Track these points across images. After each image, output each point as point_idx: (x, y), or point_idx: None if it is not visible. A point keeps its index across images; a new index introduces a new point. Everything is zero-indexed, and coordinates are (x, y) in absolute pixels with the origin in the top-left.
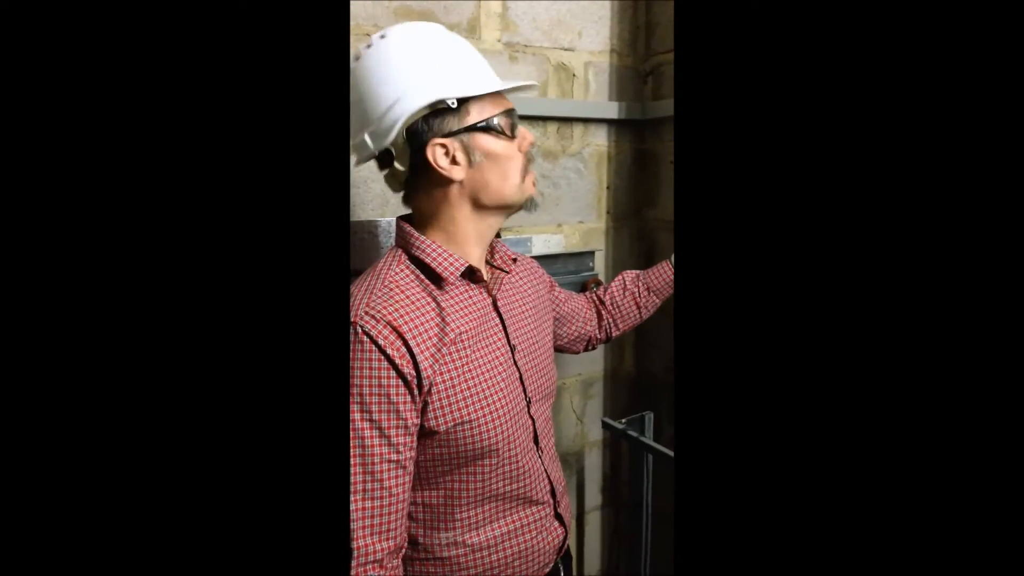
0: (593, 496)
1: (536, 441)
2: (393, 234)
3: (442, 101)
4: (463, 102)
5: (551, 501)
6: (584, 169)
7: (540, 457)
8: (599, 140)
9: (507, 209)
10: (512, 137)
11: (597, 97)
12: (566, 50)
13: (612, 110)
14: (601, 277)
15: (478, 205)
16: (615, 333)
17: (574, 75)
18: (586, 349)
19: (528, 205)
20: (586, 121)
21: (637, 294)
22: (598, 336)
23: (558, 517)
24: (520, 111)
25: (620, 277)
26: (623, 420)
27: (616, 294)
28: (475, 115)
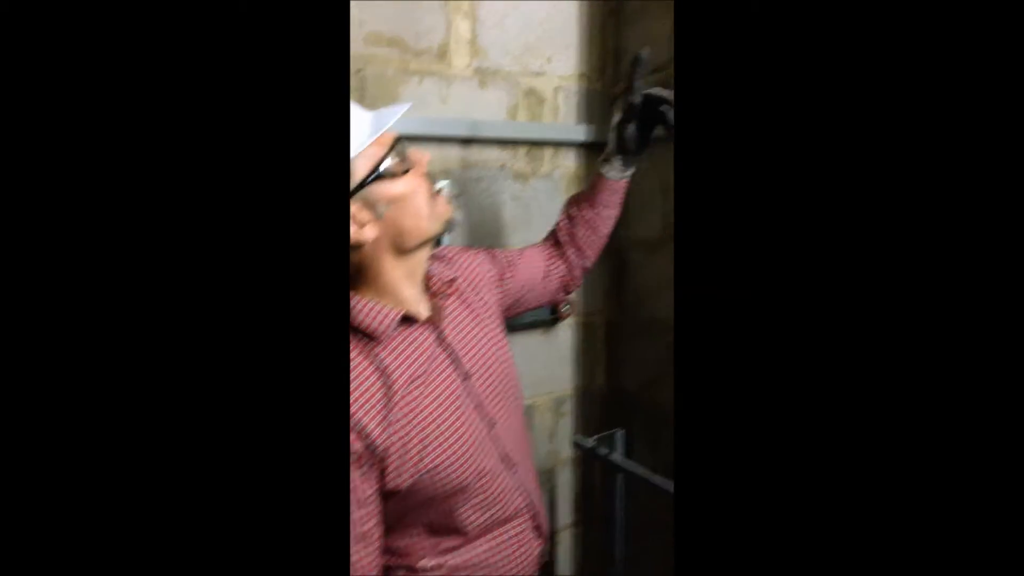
0: (565, 514)
1: (506, 459)
2: None
3: None
4: None
5: (529, 514)
6: (554, 191)
7: (514, 474)
8: (569, 162)
9: (430, 241)
10: (407, 168)
11: (566, 121)
12: (536, 75)
13: (581, 133)
14: (572, 296)
15: (400, 250)
16: (589, 264)
17: (544, 99)
18: (568, 293)
19: (448, 227)
20: (556, 144)
21: (584, 215)
22: (572, 276)
23: (536, 529)
24: (490, 134)
25: (562, 211)
26: (594, 438)
27: (566, 228)
28: (362, 168)
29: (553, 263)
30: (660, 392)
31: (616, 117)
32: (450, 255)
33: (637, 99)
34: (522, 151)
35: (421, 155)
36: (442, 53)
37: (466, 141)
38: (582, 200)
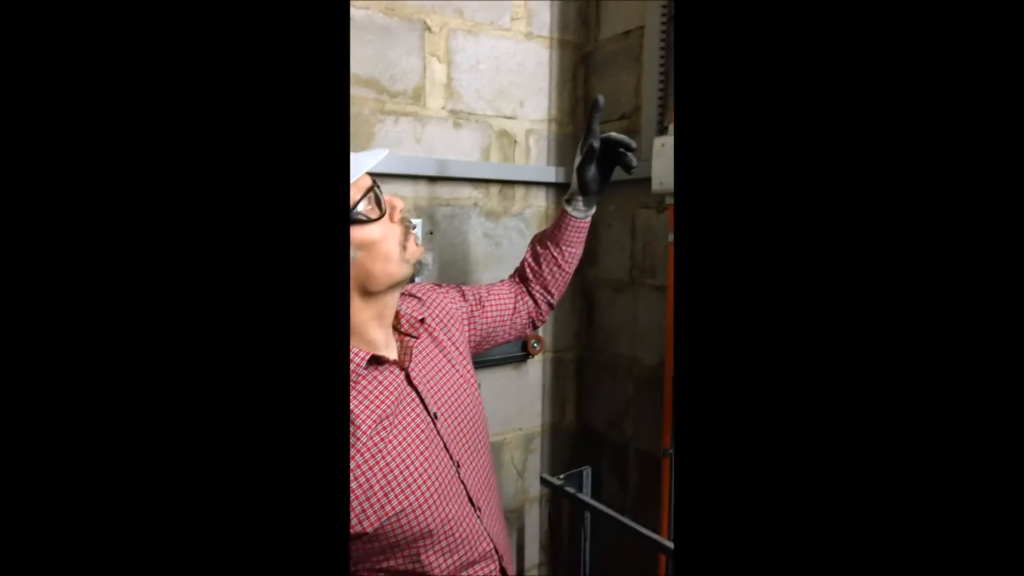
0: (533, 553)
1: (472, 502)
2: None
3: None
4: None
5: (495, 557)
6: (526, 229)
7: (479, 518)
8: (540, 202)
9: (400, 284)
10: (381, 214)
11: (538, 162)
12: (508, 118)
13: (551, 174)
14: (542, 333)
15: (368, 293)
16: (555, 300)
17: (516, 141)
18: (536, 328)
19: (418, 269)
20: (527, 184)
21: (549, 254)
22: (539, 312)
23: (502, 573)
24: (464, 174)
25: (528, 249)
26: (561, 476)
27: (532, 264)
28: None
29: (521, 299)
30: (626, 429)
31: (577, 159)
32: (421, 293)
33: (596, 142)
34: (494, 190)
35: (396, 201)
36: (417, 95)
37: (440, 179)
38: (547, 238)
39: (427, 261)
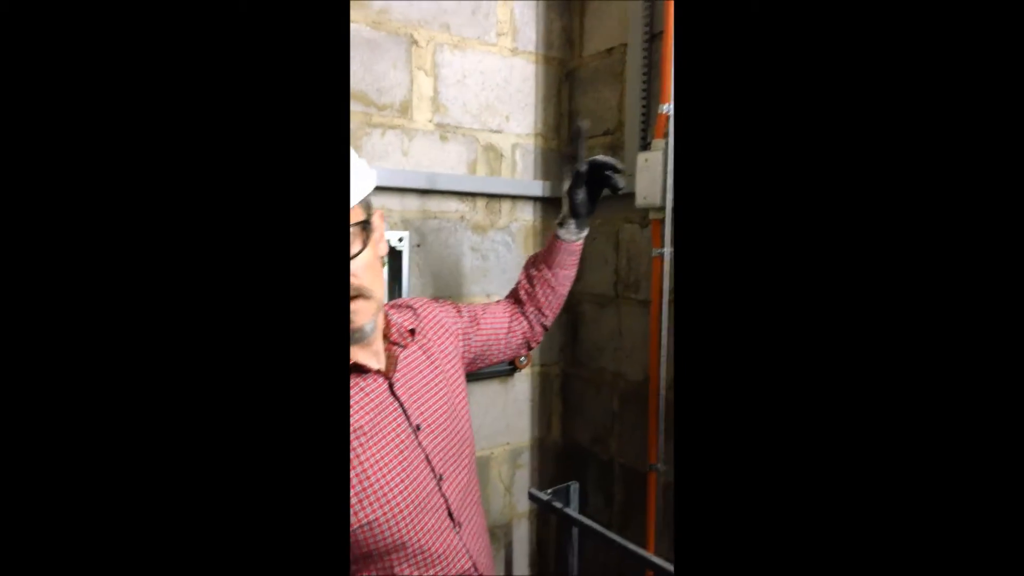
0: (521, 568)
1: (452, 517)
2: None
3: None
4: None
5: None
6: (512, 242)
7: (458, 533)
8: (526, 216)
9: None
10: (367, 239)
11: (524, 176)
12: (494, 132)
13: (537, 188)
14: None
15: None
16: (548, 322)
17: (502, 155)
18: (530, 349)
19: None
20: (514, 198)
21: (542, 276)
22: (533, 333)
23: None
24: (450, 187)
25: (522, 271)
26: (549, 491)
27: (526, 286)
28: None
29: (515, 320)
30: (611, 445)
31: (566, 184)
32: (416, 304)
33: (583, 167)
34: (481, 203)
35: (379, 221)
36: (404, 108)
37: (426, 192)
38: (540, 261)
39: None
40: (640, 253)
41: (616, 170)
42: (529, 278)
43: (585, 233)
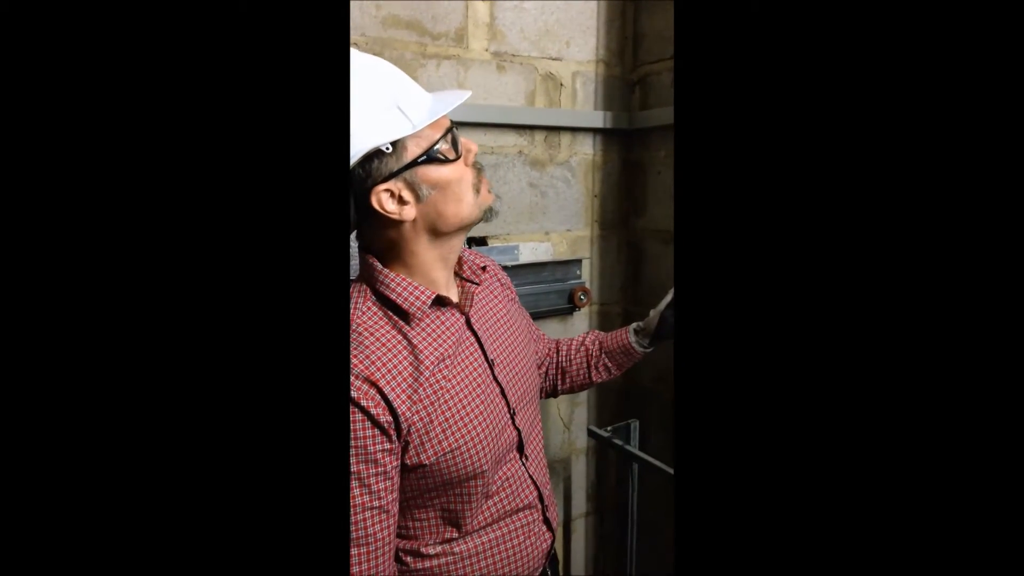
0: (580, 503)
1: (521, 449)
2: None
3: (375, 147)
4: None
5: (539, 506)
6: (572, 178)
7: (525, 465)
8: (586, 149)
9: (468, 228)
10: (457, 155)
11: (584, 107)
12: (554, 60)
13: (599, 119)
14: (588, 285)
15: (436, 233)
16: (561, 387)
17: (562, 85)
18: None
19: (487, 215)
20: (574, 130)
21: (591, 351)
22: (545, 383)
23: (546, 522)
24: (507, 120)
25: (580, 336)
26: (609, 428)
27: (572, 345)
28: (413, 150)
29: (545, 360)
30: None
31: (665, 301)
32: (487, 262)
33: None
34: (539, 137)
35: (471, 145)
36: (459, 36)
37: (483, 126)
38: (602, 343)
39: (497, 208)
40: None
41: None
42: (580, 342)
43: (653, 348)
